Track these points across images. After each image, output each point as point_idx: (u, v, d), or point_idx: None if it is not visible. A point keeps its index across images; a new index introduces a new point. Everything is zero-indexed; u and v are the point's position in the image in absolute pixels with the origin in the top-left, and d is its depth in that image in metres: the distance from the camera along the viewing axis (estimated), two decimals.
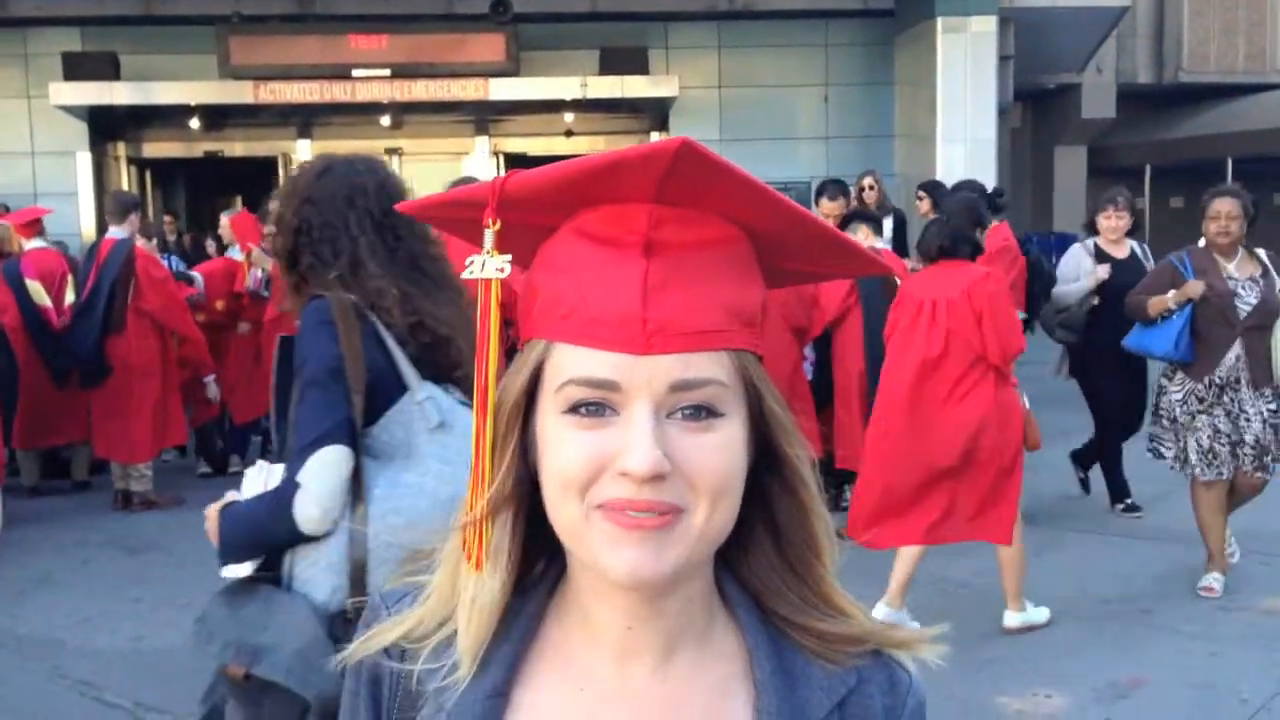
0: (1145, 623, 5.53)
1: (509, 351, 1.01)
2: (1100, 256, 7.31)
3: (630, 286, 0.88)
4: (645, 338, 0.87)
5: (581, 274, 0.90)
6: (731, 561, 0.99)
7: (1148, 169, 23.68)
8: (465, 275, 0.92)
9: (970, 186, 7.70)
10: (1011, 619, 5.42)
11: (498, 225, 0.91)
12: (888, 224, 9.76)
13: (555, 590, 0.99)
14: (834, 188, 8.00)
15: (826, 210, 7.83)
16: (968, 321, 5.00)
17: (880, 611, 5.21)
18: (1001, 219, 7.42)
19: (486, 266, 0.91)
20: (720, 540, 0.93)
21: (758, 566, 0.99)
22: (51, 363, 8.12)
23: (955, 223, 5.37)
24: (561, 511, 0.91)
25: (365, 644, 1.01)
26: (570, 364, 0.89)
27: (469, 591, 0.96)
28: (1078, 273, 7.37)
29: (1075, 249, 7.55)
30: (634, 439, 0.87)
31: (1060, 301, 7.42)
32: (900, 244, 10.01)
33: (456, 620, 0.97)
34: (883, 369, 5.43)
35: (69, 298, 8.10)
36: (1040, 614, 5.52)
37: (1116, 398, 7.32)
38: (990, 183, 12.03)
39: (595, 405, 0.89)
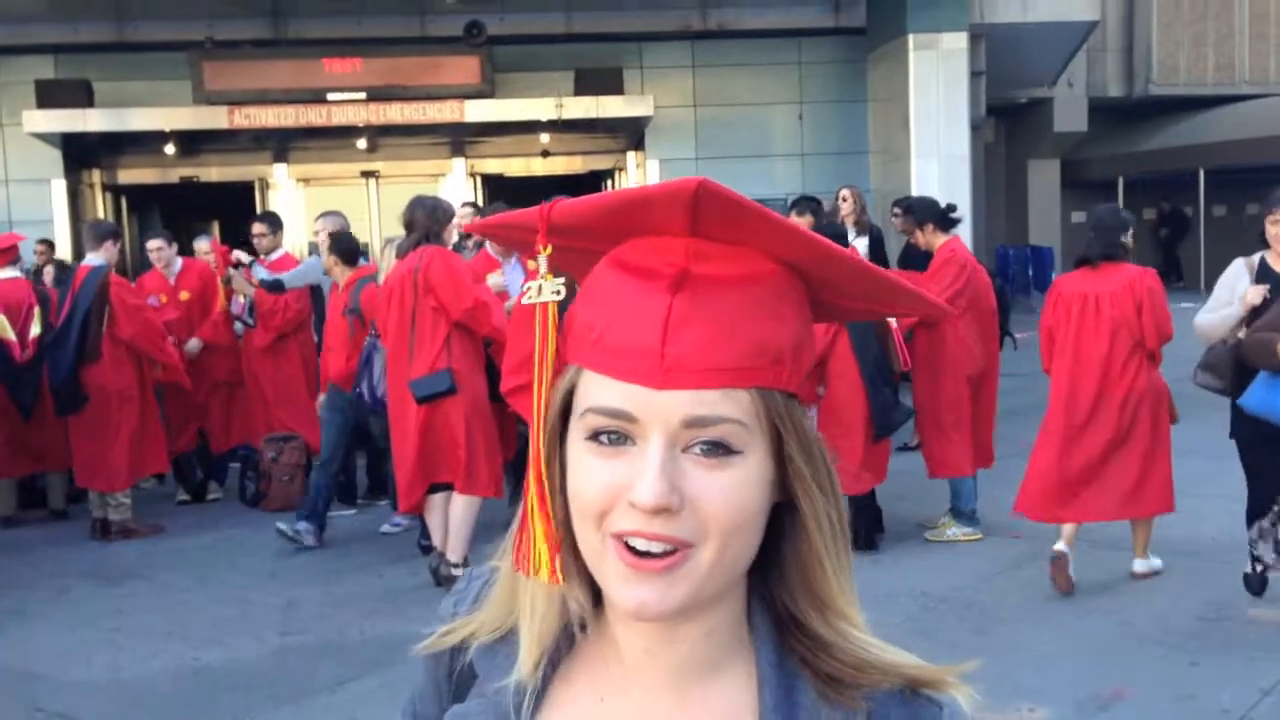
0: (1127, 634, 5.55)
1: None
2: (1264, 275, 5.53)
3: (653, 320, 0.89)
4: (662, 372, 0.88)
5: (612, 303, 0.92)
6: (769, 586, 0.99)
7: (1120, 181, 23.84)
8: (525, 300, 0.94)
9: (922, 200, 7.68)
10: (1140, 565, 6.23)
11: (549, 250, 0.93)
12: (863, 242, 9.79)
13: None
14: (803, 204, 7.99)
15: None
16: (1129, 311, 5.86)
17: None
18: (954, 234, 7.35)
19: (543, 290, 0.93)
20: (733, 577, 0.94)
21: (788, 595, 0.98)
22: (15, 397, 8.06)
23: (1109, 235, 6.00)
24: (581, 535, 0.93)
25: (438, 640, 1.08)
26: (593, 392, 0.91)
27: (528, 602, 1.00)
28: (1232, 295, 5.63)
29: (1236, 265, 5.75)
30: (644, 471, 0.88)
31: (1206, 333, 5.74)
32: (877, 260, 10.05)
33: (516, 625, 1.02)
34: (1055, 361, 6.14)
35: (34, 330, 8.02)
36: (1158, 562, 6.27)
37: (1275, 471, 5.27)
38: (965, 197, 12.12)
39: (616, 434, 0.90)
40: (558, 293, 0.93)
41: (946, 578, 6.35)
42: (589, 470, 0.91)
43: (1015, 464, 8.66)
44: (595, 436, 0.91)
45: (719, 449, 0.89)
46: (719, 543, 0.89)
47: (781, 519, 0.96)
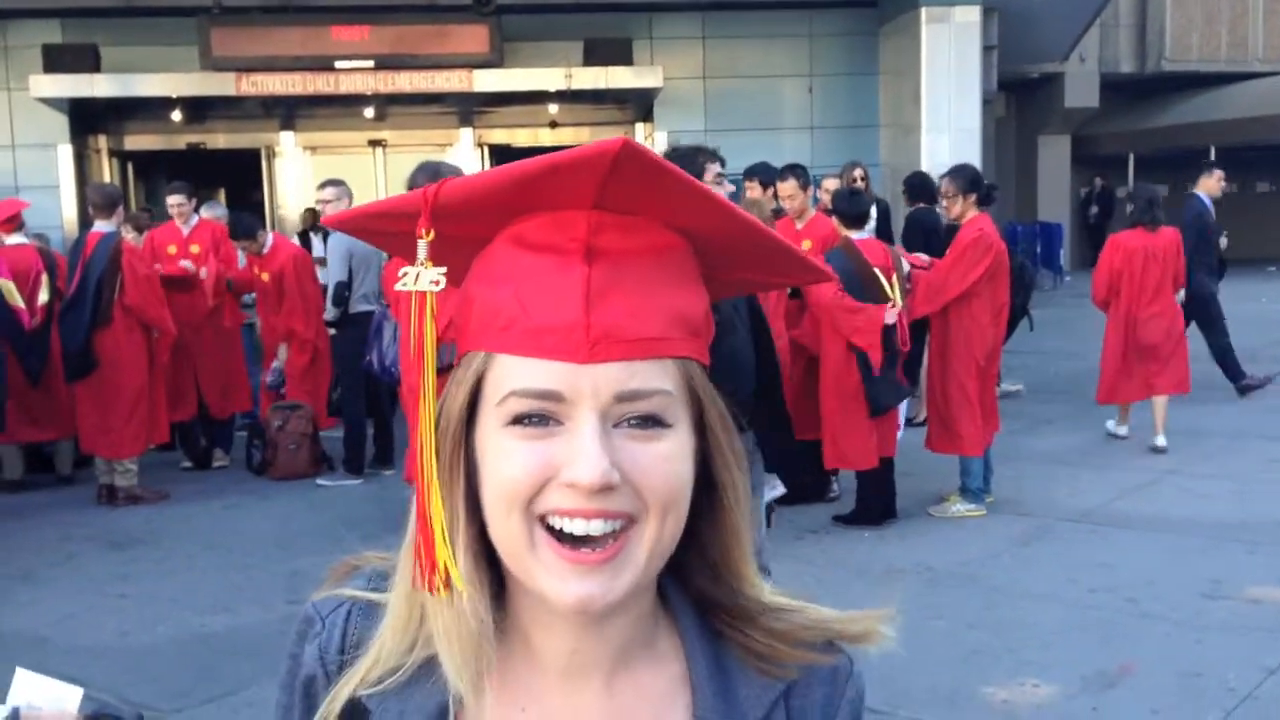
0: (1131, 611, 5.55)
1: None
2: None
3: (572, 293, 0.85)
4: (589, 345, 0.84)
5: (521, 283, 0.87)
6: (671, 562, 0.95)
7: (1131, 158, 23.74)
8: (398, 287, 0.87)
9: (970, 169, 7.48)
10: (1161, 440, 8.44)
11: (431, 236, 0.87)
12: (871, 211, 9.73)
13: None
14: (788, 170, 7.88)
15: (782, 191, 7.77)
16: (1174, 257, 8.68)
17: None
18: (984, 210, 7.22)
19: (421, 279, 0.87)
20: (668, 554, 0.90)
21: (703, 568, 0.97)
22: (24, 363, 8.07)
23: (1159, 206, 8.75)
24: (503, 527, 0.87)
25: (331, 705, 0.95)
26: (512, 375, 0.86)
27: (448, 627, 0.91)
28: None
29: None
30: (582, 449, 0.84)
31: None
32: (884, 233, 10.00)
33: (420, 660, 0.93)
34: (1117, 294, 8.64)
35: (42, 297, 8.03)
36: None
37: None
38: None
39: (540, 416, 0.86)
40: (436, 283, 0.87)
41: (952, 553, 6.35)
42: (514, 455, 0.86)
43: (1026, 441, 8.67)
44: (518, 420, 0.86)
45: (650, 422, 0.86)
46: (658, 519, 0.87)
47: (695, 493, 0.93)
